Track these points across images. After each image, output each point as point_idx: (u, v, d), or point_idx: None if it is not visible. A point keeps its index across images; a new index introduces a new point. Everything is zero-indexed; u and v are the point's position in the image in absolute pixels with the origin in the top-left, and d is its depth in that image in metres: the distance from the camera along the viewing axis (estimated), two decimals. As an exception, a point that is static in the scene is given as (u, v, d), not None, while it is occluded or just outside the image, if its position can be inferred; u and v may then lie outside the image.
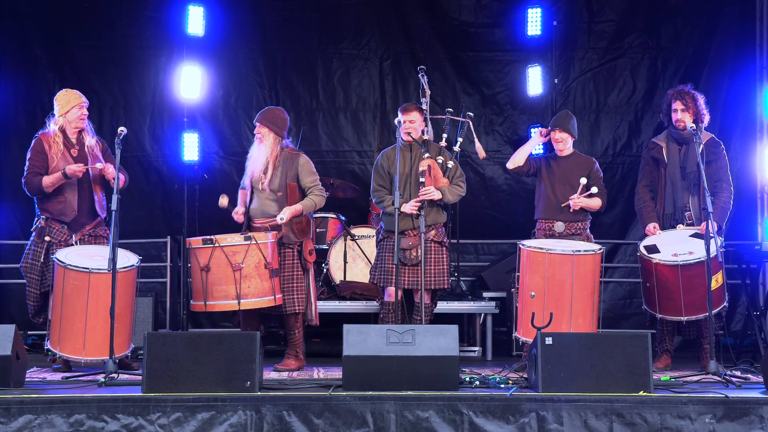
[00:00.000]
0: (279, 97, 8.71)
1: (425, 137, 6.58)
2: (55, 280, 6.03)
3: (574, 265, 6.10)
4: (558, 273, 6.09)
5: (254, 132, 6.43)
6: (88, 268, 5.88)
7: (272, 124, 6.37)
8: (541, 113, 8.65)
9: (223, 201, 6.41)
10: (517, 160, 6.72)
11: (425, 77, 7.17)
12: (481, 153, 6.98)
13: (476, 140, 6.98)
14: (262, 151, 6.36)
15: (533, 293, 6.10)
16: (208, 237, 6.14)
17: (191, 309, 6.31)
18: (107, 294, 5.64)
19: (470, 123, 7.05)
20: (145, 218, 8.55)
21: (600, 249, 6.26)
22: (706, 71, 8.52)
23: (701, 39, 8.58)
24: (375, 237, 6.78)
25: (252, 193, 6.42)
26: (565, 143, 6.71)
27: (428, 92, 7.18)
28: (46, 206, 6.33)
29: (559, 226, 6.60)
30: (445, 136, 6.82)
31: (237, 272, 6.04)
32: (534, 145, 6.88)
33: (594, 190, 6.55)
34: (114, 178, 6.04)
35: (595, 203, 6.62)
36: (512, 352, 7.51)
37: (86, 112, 6.41)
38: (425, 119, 6.65)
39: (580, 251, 6.16)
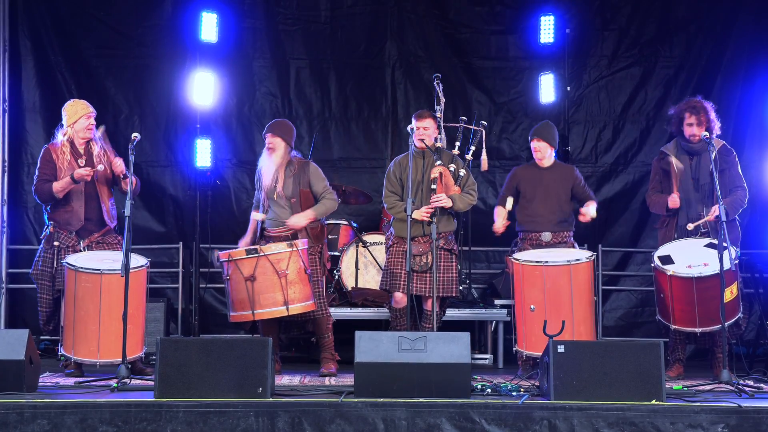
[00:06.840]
0: (292, 106, 8.73)
1: (438, 145, 6.58)
2: (66, 285, 6.06)
3: (571, 276, 6.10)
4: (556, 285, 6.10)
5: (266, 143, 6.48)
6: (99, 270, 5.93)
7: (284, 134, 6.52)
8: (554, 121, 8.59)
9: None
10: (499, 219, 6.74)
11: (440, 85, 7.16)
12: (484, 165, 6.93)
13: (483, 151, 6.97)
14: (273, 160, 6.47)
15: (533, 306, 6.10)
16: (252, 248, 6.20)
17: (232, 320, 6.26)
18: (119, 295, 5.66)
19: (483, 132, 7.04)
20: (157, 224, 8.58)
21: (592, 255, 6.26)
22: (719, 80, 8.50)
23: (714, 48, 8.56)
24: (385, 243, 6.79)
25: (267, 204, 6.47)
26: (543, 153, 6.73)
27: (443, 100, 7.17)
28: (53, 215, 6.40)
29: (546, 236, 6.63)
30: (458, 144, 6.82)
31: (283, 278, 6.11)
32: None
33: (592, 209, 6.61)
34: (122, 173, 6.26)
35: (594, 208, 6.66)
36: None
37: (94, 122, 6.43)
38: (439, 127, 6.66)
39: (578, 260, 6.16)
